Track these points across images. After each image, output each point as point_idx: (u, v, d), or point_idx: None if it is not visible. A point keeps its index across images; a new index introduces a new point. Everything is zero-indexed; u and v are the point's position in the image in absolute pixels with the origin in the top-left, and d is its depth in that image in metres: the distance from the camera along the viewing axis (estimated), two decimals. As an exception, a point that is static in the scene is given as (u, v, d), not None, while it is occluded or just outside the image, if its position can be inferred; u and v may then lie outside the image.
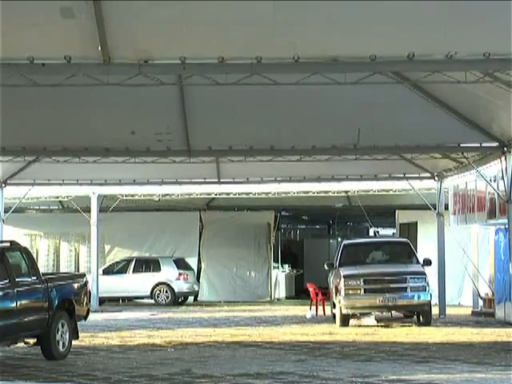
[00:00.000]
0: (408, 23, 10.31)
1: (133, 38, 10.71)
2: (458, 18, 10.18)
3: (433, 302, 22.83)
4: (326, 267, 24.33)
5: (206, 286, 33.32)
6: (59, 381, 13.89)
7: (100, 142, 18.14)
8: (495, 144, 17.69)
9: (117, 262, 31.88)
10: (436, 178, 24.76)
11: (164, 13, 10.17)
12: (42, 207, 33.02)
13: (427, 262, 23.38)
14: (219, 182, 24.72)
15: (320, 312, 25.49)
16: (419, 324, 22.19)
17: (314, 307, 25.92)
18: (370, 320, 23.15)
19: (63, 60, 10.85)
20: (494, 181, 19.29)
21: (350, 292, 21.87)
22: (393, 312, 23.16)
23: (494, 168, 19.12)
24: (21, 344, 16.59)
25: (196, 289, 32.39)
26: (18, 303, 15.80)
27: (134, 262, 31.46)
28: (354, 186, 28.19)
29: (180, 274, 31.23)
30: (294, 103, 15.38)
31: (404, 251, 23.81)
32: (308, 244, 39.06)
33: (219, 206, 33.47)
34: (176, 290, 31.13)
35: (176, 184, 26.15)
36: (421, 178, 25.14)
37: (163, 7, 10.05)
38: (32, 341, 16.52)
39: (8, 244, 17.31)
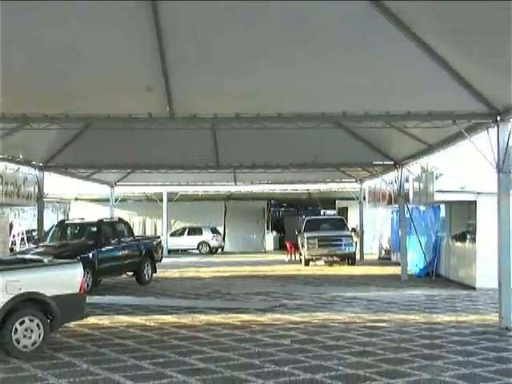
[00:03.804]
0: (342, 95, 10.27)
1: (187, 102, 10.68)
2: (369, 91, 10.14)
3: (356, 252, 22.93)
4: (297, 232, 24.34)
5: (228, 242, 33.18)
6: (146, 296, 13.96)
7: (167, 161, 18.14)
8: (392, 162, 17.69)
9: (178, 230, 31.79)
10: (358, 182, 24.74)
11: (204, 88, 10.15)
12: (135, 198, 32.94)
13: (353, 230, 23.57)
14: (235, 184, 24.66)
15: (293, 258, 25.51)
16: (348, 264, 22.27)
17: (289, 255, 25.94)
18: (321, 262, 23.20)
19: (147, 115, 10.86)
20: (391, 183, 19.28)
21: (310, 246, 21.94)
22: (334, 258, 23.25)
23: (391, 176, 19.11)
24: (124, 276, 16.70)
25: (222, 244, 32.27)
26: (122, 253, 15.91)
27: (187, 229, 31.40)
28: (312, 187, 28.21)
29: (213, 236, 31.20)
30: (278, 139, 15.32)
31: (340, 223, 23.83)
32: (287, 220, 38.17)
33: (235, 198, 33.21)
34: (211, 245, 31.07)
35: (210, 185, 26.09)
36: (350, 182, 25.11)
37: (204, 85, 10.03)
38: (130, 274, 16.64)
39: (117, 219, 17.45)
